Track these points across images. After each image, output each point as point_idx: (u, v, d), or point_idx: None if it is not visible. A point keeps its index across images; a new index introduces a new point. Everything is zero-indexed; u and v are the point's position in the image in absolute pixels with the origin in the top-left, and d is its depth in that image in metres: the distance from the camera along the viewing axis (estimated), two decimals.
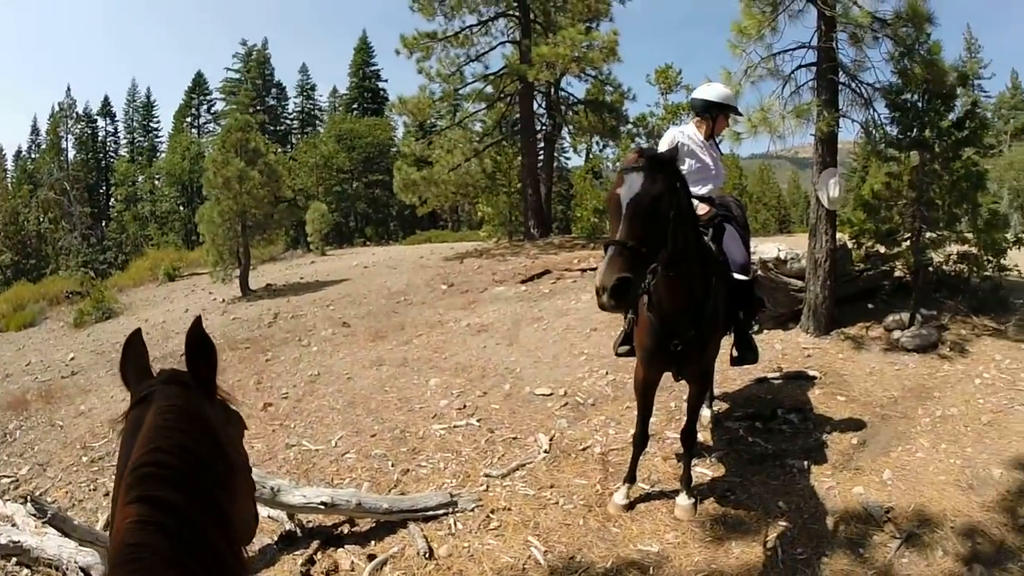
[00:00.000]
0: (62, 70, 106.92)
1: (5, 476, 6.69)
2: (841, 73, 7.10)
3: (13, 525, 4.56)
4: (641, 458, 4.44)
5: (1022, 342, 6.41)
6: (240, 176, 14.58)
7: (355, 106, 52.40)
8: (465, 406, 6.24)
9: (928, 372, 6.03)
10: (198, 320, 1.38)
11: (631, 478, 4.34)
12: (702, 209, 4.10)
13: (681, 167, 4.13)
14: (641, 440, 4.27)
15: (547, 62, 15.63)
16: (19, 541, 4.22)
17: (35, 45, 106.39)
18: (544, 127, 19.32)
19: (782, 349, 6.86)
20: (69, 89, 52.40)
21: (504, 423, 5.77)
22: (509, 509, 4.38)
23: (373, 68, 53.44)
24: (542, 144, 19.87)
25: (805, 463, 4.67)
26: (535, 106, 18.87)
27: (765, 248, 7.77)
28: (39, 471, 6.65)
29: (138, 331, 1.47)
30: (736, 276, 4.08)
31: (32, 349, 13.47)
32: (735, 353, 4.40)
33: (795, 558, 3.75)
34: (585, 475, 4.70)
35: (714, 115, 4.40)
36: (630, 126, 19.14)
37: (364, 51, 53.06)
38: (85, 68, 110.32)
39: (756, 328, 4.58)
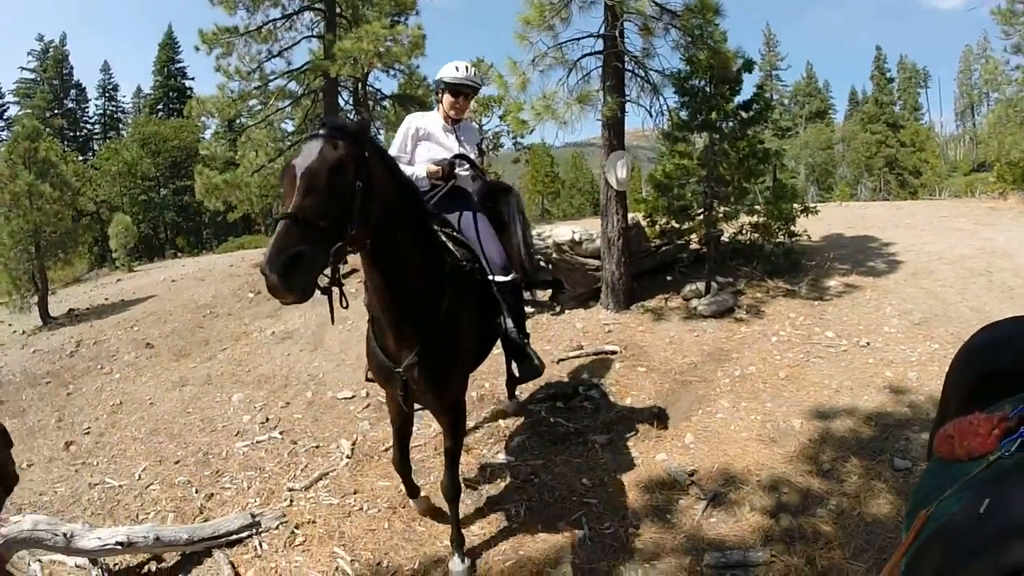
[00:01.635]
0: None
1: None
2: (628, 60, 7.38)
3: None
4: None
5: (814, 300, 6.96)
6: (30, 191, 13.14)
7: (160, 107, 48.68)
8: (268, 419, 6.04)
9: (726, 336, 6.33)
10: None
11: (413, 493, 4.06)
12: (430, 169, 3.71)
13: (405, 148, 3.93)
14: (402, 465, 3.88)
15: (350, 57, 15.11)
16: None
17: None
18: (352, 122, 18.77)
19: (583, 327, 6.95)
20: None
21: (307, 432, 5.63)
22: (314, 522, 4.22)
23: (179, 66, 49.80)
24: None
25: (607, 437, 4.69)
26: (341, 102, 18.25)
27: (560, 231, 7.93)
28: None
29: None
30: (497, 279, 3.61)
31: None
32: (516, 371, 3.91)
33: (602, 533, 3.71)
34: (388, 476, 4.55)
35: (439, 96, 4.01)
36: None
37: (170, 47, 49.31)
38: None
39: (526, 339, 3.89)
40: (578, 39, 7.24)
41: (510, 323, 3.66)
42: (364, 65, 15.94)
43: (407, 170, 3.48)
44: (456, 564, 3.53)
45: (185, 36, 50.41)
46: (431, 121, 4.01)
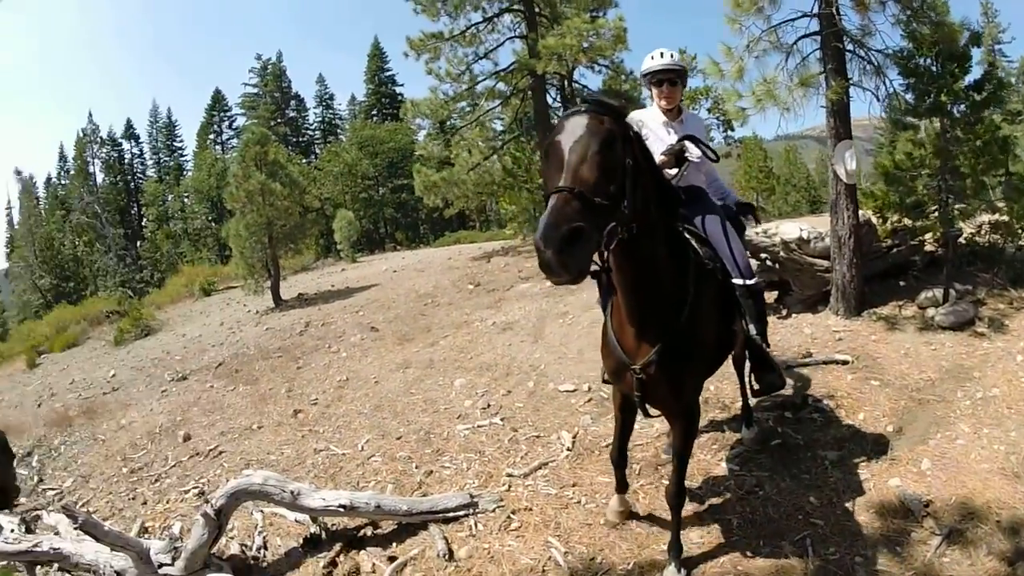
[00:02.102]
0: (83, 96, 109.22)
1: (50, 489, 7.05)
2: (847, 40, 6.85)
3: (56, 534, 4.76)
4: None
5: None
6: (263, 189, 14.83)
7: (374, 112, 52.49)
8: (489, 405, 6.23)
9: (966, 351, 5.76)
10: None
11: (621, 487, 4.05)
12: (660, 159, 3.49)
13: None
14: (619, 458, 3.91)
15: (555, 54, 15.43)
16: (59, 548, 4.40)
17: (55, 72, 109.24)
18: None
19: (811, 333, 6.63)
20: (91, 115, 54.25)
21: (528, 421, 5.73)
22: (530, 509, 4.32)
23: (388, 73, 53.32)
24: None
25: (838, 454, 4.47)
26: (549, 100, 18.63)
27: (786, 229, 7.47)
28: (82, 483, 6.96)
29: None
30: (744, 282, 3.44)
31: (76, 368, 13.89)
32: (755, 384, 3.68)
33: (827, 558, 3.56)
34: (608, 472, 4.47)
35: (650, 90, 3.85)
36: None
37: (378, 57, 53.01)
38: (105, 93, 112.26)
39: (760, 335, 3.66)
40: (792, 20, 6.83)
41: (753, 328, 3.49)
42: (569, 61, 16.24)
43: None
44: (672, 573, 3.48)
45: (390, 45, 54.08)
46: (650, 116, 3.90)
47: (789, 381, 5.58)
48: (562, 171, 2.26)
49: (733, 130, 27.72)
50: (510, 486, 4.64)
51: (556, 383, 6.40)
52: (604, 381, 3.97)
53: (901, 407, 4.99)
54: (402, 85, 53.75)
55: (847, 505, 3.96)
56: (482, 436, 5.58)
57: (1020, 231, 7.05)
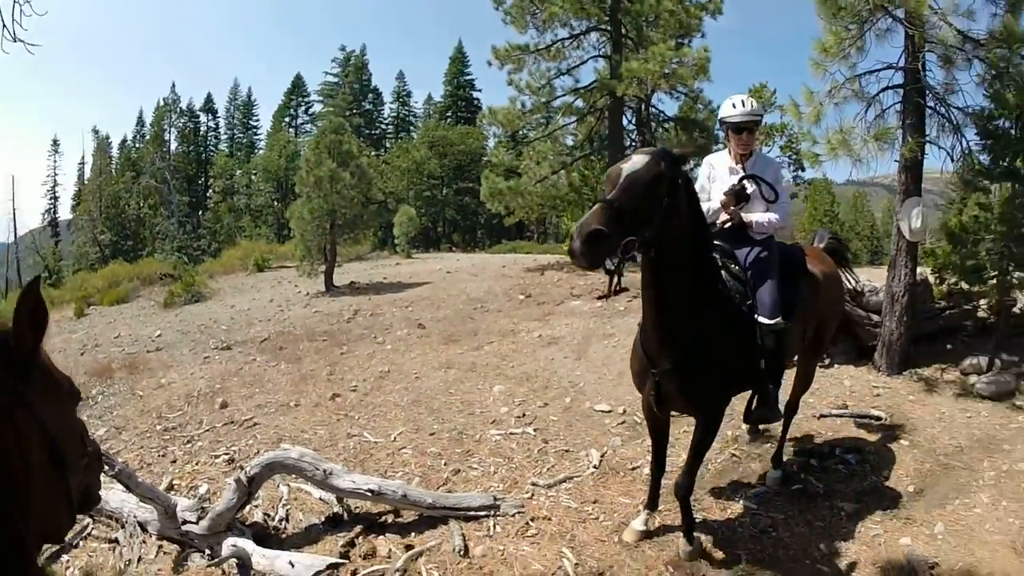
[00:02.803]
0: (168, 68, 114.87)
1: None
2: (929, 96, 6.82)
3: None
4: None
5: None
6: (331, 176, 15.12)
7: (449, 114, 53.28)
8: (524, 415, 6.34)
9: (1001, 422, 5.71)
10: (35, 283, 1.30)
11: (652, 505, 4.23)
12: (721, 200, 3.99)
13: (701, 184, 4.16)
14: (657, 468, 4.18)
15: (636, 78, 15.45)
16: None
17: (144, 42, 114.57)
18: (633, 143, 18.90)
19: (850, 386, 6.61)
20: (174, 86, 56.86)
21: (559, 435, 5.83)
22: (549, 519, 4.41)
23: (468, 78, 54.17)
24: None
25: (855, 507, 4.50)
26: (625, 121, 18.67)
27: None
28: (115, 434, 7.12)
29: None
30: (762, 320, 3.72)
31: (123, 323, 14.27)
32: (751, 407, 4.02)
33: None
34: (630, 494, 4.69)
35: (733, 132, 4.05)
36: (720, 145, 18.68)
37: (459, 61, 53.86)
38: (191, 68, 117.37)
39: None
40: (876, 71, 6.86)
41: (762, 364, 3.77)
42: (650, 86, 16.29)
43: (705, 206, 3.85)
44: (685, 545, 3.89)
45: (474, 51, 54.66)
46: (720, 160, 4.24)
47: (819, 429, 5.68)
48: (613, 189, 2.94)
49: (804, 170, 27.31)
50: (533, 494, 4.75)
51: (592, 402, 6.50)
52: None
53: (925, 469, 4.97)
54: (480, 91, 54.54)
55: (854, 557, 3.99)
56: (513, 443, 5.70)
57: None
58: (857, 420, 5.86)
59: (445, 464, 5.38)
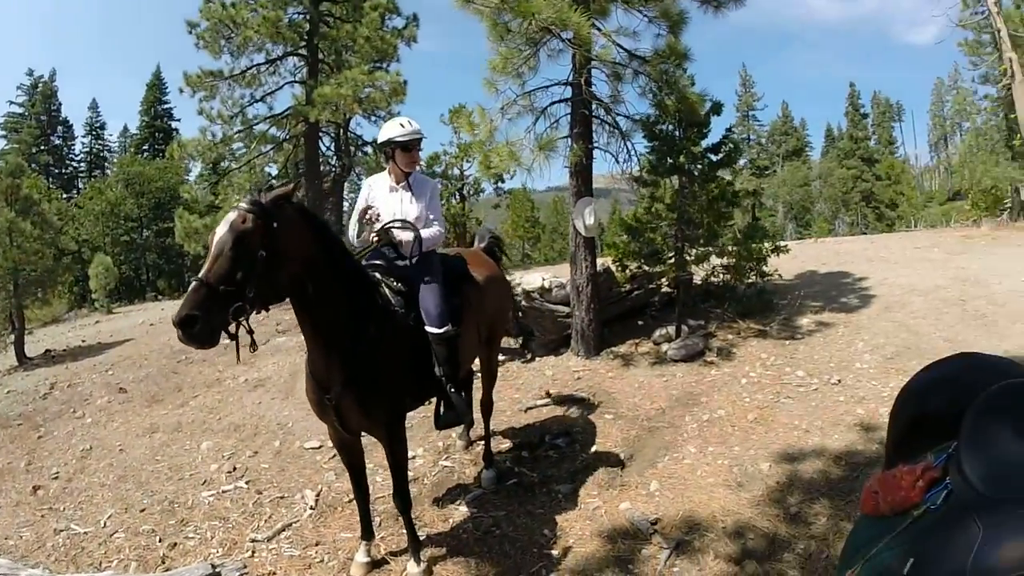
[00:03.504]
0: None
1: None
2: (596, 107, 7.49)
3: None
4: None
5: (785, 339, 6.99)
6: (11, 228, 13.01)
7: (146, 147, 48.31)
8: (235, 468, 6.03)
9: (695, 380, 6.32)
10: None
11: (367, 534, 4.12)
12: (364, 238, 4.05)
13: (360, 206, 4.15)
14: (359, 495, 4.07)
15: (330, 103, 15.25)
16: None
17: None
18: (332, 168, 18.71)
19: (552, 375, 6.95)
20: None
21: (273, 482, 5.60)
22: (275, 573, 4.20)
23: (166, 106, 49.59)
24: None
25: (571, 487, 4.65)
26: (323, 147, 18.32)
27: (530, 278, 8.00)
28: None
29: None
30: (431, 330, 3.86)
31: None
32: (439, 414, 4.14)
33: None
34: (351, 527, 4.52)
35: (388, 154, 4.20)
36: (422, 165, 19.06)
37: (157, 87, 49.12)
38: None
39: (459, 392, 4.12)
40: (547, 87, 7.38)
41: (439, 370, 3.90)
42: (344, 111, 16.08)
43: (350, 233, 4.09)
44: (412, 567, 3.83)
45: (173, 76, 50.22)
46: (379, 181, 4.27)
47: (527, 421, 5.89)
48: (207, 260, 2.85)
49: (503, 182, 29.37)
50: (254, 551, 4.51)
51: (302, 440, 6.33)
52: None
53: (633, 436, 5.30)
54: (179, 120, 50.05)
55: (579, 533, 4.08)
56: (227, 501, 5.38)
57: (748, 271, 8.01)
58: (562, 405, 6.13)
59: (160, 540, 4.93)
